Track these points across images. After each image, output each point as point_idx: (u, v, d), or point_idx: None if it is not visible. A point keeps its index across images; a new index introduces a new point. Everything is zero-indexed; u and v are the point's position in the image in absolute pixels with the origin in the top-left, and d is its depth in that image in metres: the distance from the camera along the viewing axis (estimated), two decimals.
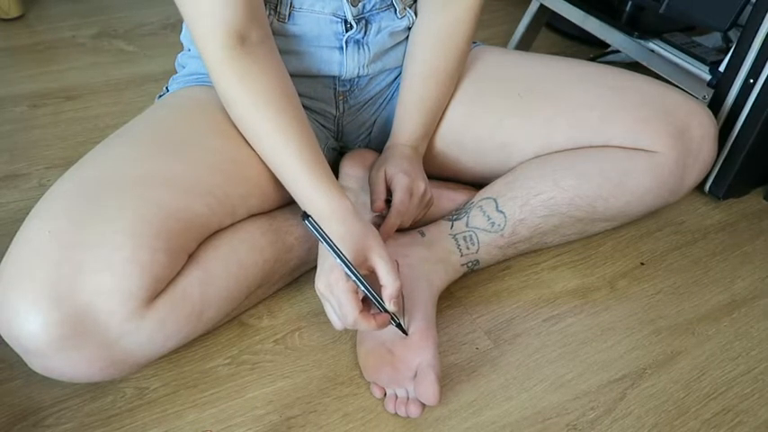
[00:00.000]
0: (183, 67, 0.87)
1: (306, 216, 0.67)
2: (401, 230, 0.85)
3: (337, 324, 0.69)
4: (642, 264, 0.96)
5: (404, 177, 0.80)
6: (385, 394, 0.74)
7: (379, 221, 0.82)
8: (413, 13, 0.85)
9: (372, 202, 0.81)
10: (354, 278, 0.66)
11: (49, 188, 0.67)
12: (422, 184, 0.82)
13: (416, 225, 0.87)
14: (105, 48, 1.39)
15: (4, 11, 1.43)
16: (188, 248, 0.67)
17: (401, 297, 0.76)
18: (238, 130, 0.74)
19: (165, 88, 0.87)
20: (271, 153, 0.73)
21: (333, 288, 0.67)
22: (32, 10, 1.50)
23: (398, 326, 0.71)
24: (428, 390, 0.69)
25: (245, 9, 0.68)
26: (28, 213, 0.64)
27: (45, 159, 1.06)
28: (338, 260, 0.66)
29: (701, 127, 0.85)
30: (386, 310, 0.68)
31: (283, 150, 0.71)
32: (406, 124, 0.87)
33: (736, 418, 0.76)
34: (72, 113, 1.17)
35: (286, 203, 0.80)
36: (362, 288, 0.67)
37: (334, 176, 0.73)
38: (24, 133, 1.12)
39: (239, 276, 0.72)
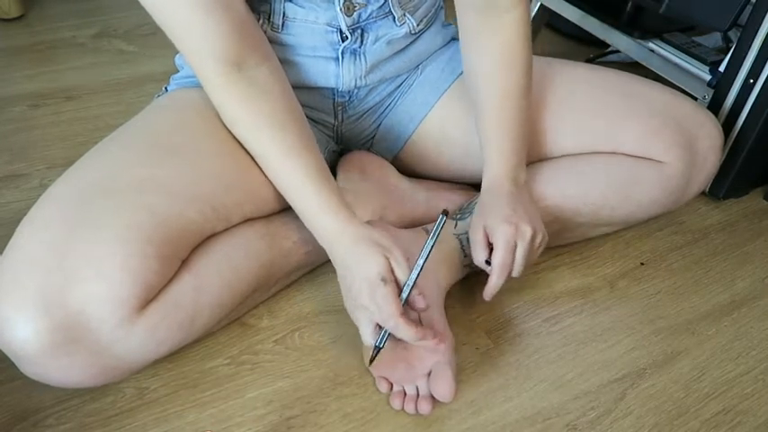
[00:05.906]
0: (182, 68, 0.87)
1: (446, 213, 0.69)
2: (405, 227, 0.85)
3: (369, 339, 0.68)
4: (642, 264, 0.96)
5: (505, 229, 0.73)
6: (391, 389, 0.74)
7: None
8: (412, 20, 0.83)
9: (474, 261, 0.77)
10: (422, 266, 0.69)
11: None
12: (527, 229, 0.74)
13: (420, 223, 0.86)
14: (105, 48, 1.39)
15: (4, 11, 1.43)
16: (180, 255, 0.67)
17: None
18: (234, 135, 0.74)
19: (164, 88, 0.87)
20: (275, 174, 0.73)
21: (374, 293, 0.66)
22: (32, 10, 1.50)
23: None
24: (444, 386, 0.69)
25: (236, 40, 0.68)
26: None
27: (45, 159, 1.06)
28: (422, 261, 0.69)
29: (709, 138, 0.84)
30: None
31: (290, 173, 0.72)
32: (496, 157, 0.80)
33: (736, 418, 0.76)
34: (72, 113, 1.17)
35: (282, 209, 0.78)
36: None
37: (340, 194, 0.73)
38: (24, 133, 1.12)
39: (233, 282, 0.72)
